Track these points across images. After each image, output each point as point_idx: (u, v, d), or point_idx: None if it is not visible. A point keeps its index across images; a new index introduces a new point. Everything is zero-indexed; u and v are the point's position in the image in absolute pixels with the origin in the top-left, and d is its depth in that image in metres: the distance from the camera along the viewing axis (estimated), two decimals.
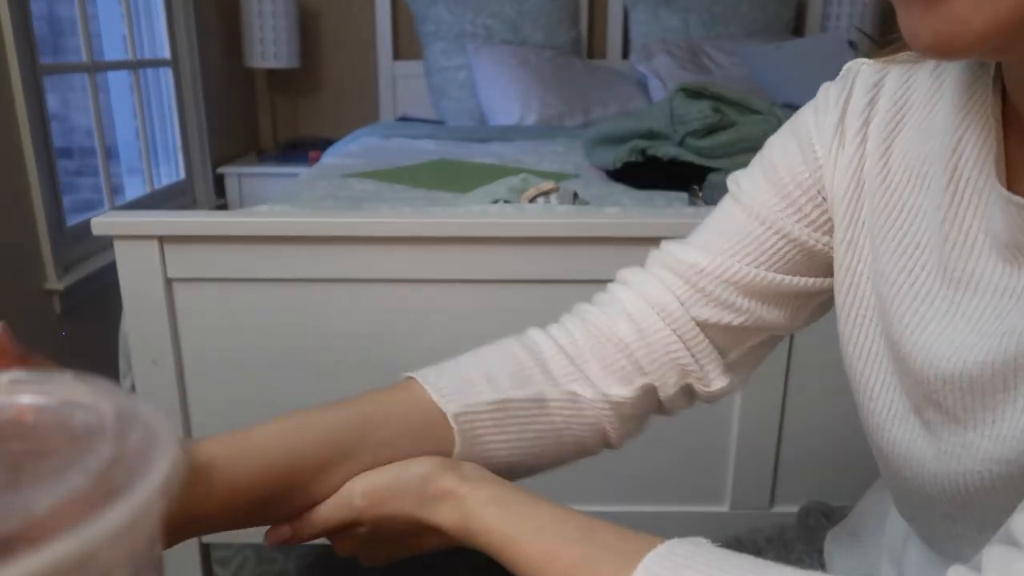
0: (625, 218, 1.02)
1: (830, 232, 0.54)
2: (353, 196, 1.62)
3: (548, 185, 1.28)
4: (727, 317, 0.55)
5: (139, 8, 2.45)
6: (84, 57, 2.11)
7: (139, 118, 2.44)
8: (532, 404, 0.55)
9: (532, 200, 1.26)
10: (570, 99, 2.61)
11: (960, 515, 0.47)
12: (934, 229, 0.46)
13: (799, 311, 0.57)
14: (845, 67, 0.54)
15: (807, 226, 0.53)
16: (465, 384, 0.54)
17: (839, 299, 0.53)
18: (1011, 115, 0.44)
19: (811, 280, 0.55)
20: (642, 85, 2.75)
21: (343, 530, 0.50)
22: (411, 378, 0.55)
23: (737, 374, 0.58)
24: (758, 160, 0.57)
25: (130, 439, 0.23)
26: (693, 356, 0.55)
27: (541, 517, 0.45)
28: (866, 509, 0.66)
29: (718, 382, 0.56)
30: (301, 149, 2.90)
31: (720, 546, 0.42)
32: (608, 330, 0.56)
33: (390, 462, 0.50)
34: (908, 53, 0.50)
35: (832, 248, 0.54)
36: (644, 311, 0.56)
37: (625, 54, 3.01)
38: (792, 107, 2.18)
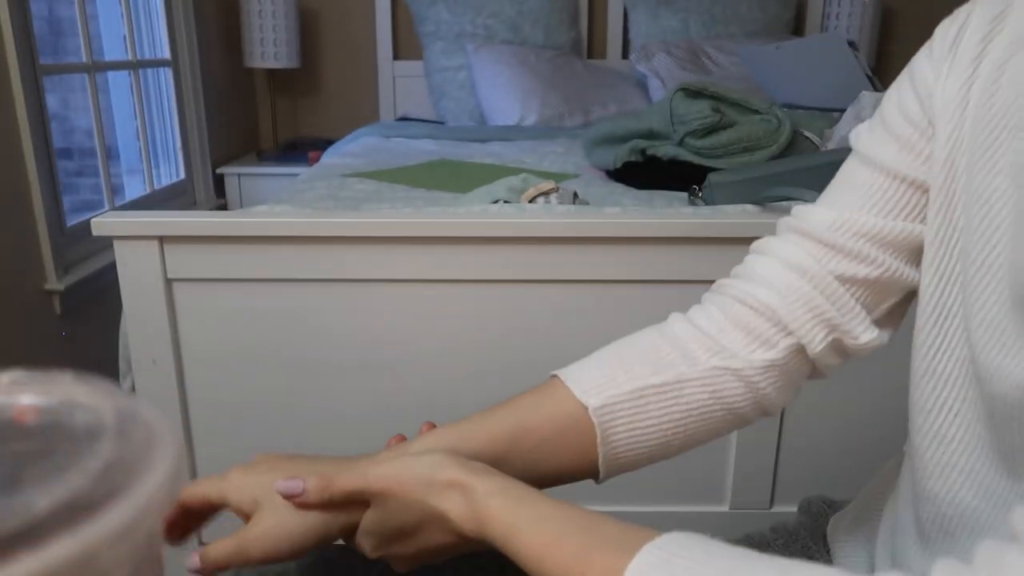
0: (625, 218, 1.02)
1: None
2: (353, 196, 1.62)
3: (548, 185, 1.28)
4: (864, 270, 0.54)
5: (139, 8, 2.45)
6: (84, 57, 2.11)
7: (139, 118, 2.44)
8: (672, 387, 0.56)
9: (532, 200, 1.26)
10: (570, 99, 2.61)
11: (970, 478, 0.48)
12: None
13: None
14: None
15: (923, 163, 0.52)
16: (604, 377, 0.57)
17: (930, 217, 0.52)
18: None
19: None
20: (642, 85, 2.75)
21: (352, 513, 0.52)
22: (556, 376, 0.59)
23: (884, 329, 0.57)
24: (877, 112, 0.57)
25: (130, 439, 0.23)
26: (837, 309, 0.55)
27: (544, 509, 0.47)
28: (868, 494, 0.66)
29: (867, 334, 0.55)
30: (301, 149, 2.90)
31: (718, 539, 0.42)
32: (747, 298, 0.57)
33: (541, 462, 0.56)
34: None
35: None
36: (781, 273, 0.56)
37: (625, 54, 3.01)
38: (792, 107, 2.20)
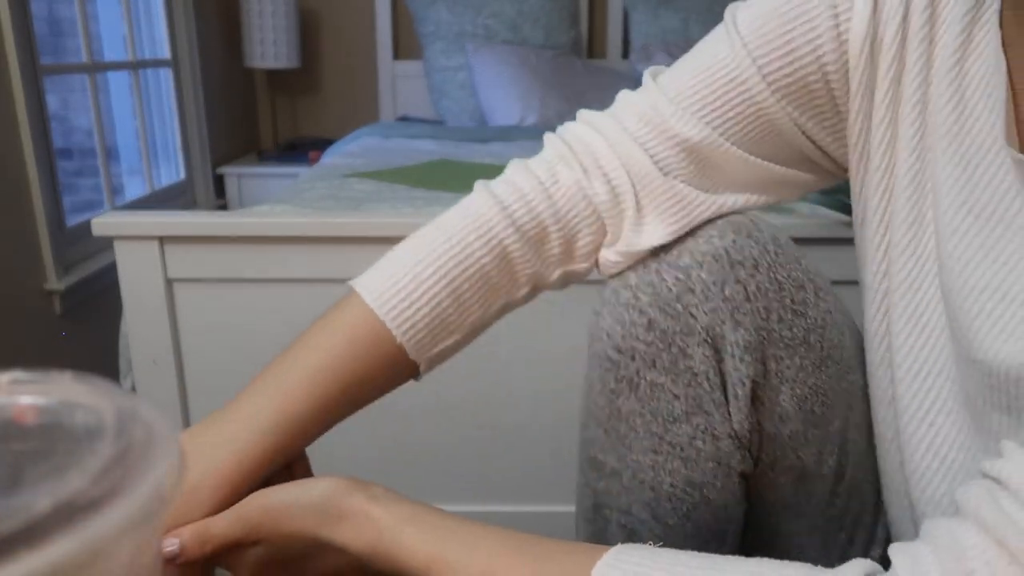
0: None
1: (821, 121, 0.52)
2: (353, 196, 1.62)
3: None
4: (681, 166, 0.55)
5: (139, 8, 2.45)
6: (84, 57, 2.11)
7: (139, 118, 2.44)
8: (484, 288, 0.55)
9: None
10: (570, 99, 2.61)
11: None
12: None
13: (755, 188, 0.56)
14: None
15: (790, 104, 0.51)
16: (437, 324, 0.54)
17: (898, 222, 0.50)
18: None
19: (777, 168, 0.54)
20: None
21: (237, 550, 0.48)
22: (367, 307, 0.54)
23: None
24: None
25: (130, 439, 0.23)
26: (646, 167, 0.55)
27: (468, 534, 0.43)
28: None
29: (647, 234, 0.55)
30: (301, 149, 2.89)
31: (661, 546, 0.41)
32: (576, 142, 0.58)
33: (363, 403, 0.54)
34: None
35: (819, 140, 0.53)
36: (614, 127, 0.58)
37: (625, 54, 3.01)
38: None
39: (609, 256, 0.56)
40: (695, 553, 0.39)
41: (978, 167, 0.44)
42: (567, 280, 0.59)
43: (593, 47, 3.06)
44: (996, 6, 0.45)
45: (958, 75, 0.46)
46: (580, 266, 0.58)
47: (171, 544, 0.46)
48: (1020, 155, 0.43)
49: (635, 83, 2.50)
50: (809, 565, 0.37)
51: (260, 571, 0.48)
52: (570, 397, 1.09)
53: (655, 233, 0.54)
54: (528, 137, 2.41)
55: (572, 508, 1.17)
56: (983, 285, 0.44)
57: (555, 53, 2.80)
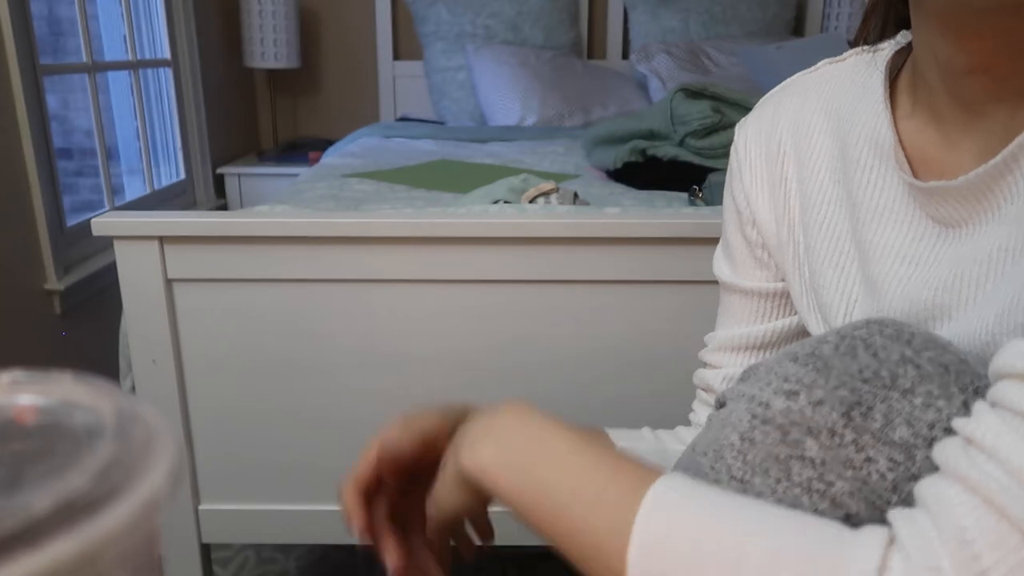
0: (625, 218, 1.02)
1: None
2: (353, 196, 1.62)
3: (548, 185, 1.28)
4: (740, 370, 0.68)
5: (139, 8, 2.45)
6: (84, 57, 2.11)
7: (139, 118, 2.44)
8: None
9: (532, 200, 1.26)
10: (570, 99, 2.61)
11: None
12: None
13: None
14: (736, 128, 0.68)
15: (770, 276, 0.67)
16: (634, 433, 0.71)
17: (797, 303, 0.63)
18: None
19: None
20: (642, 85, 2.75)
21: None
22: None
23: None
24: (721, 243, 0.71)
25: (130, 439, 0.23)
26: None
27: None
28: None
29: None
30: (301, 149, 2.89)
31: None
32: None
33: None
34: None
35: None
36: (707, 396, 0.73)
37: (625, 54, 3.01)
38: None
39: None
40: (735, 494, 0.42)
41: (900, 223, 0.52)
42: None
43: (593, 47, 3.06)
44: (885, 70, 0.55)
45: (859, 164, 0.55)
46: None
47: (392, 562, 0.54)
48: (910, 177, 0.50)
49: (635, 83, 2.51)
50: (839, 524, 0.38)
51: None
52: (580, 396, 1.09)
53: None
54: (528, 137, 2.41)
55: None
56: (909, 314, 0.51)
57: (555, 53, 2.80)
